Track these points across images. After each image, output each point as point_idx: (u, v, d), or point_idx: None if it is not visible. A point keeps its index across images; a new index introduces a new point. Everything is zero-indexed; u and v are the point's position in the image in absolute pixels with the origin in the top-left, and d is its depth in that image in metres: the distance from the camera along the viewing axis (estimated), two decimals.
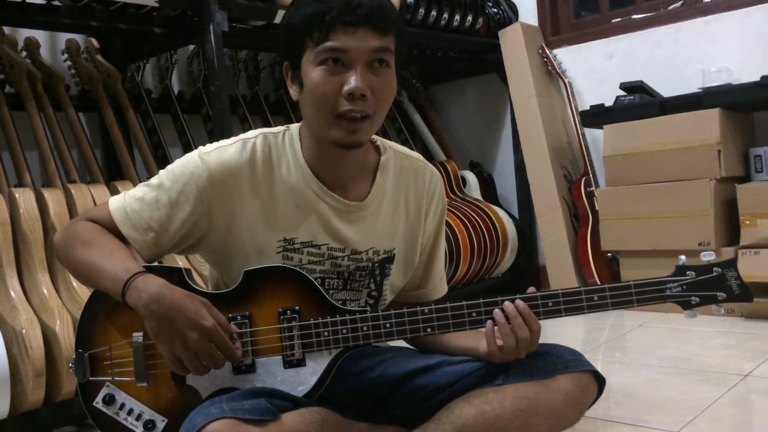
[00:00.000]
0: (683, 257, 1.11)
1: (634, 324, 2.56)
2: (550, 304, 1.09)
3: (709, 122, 2.57)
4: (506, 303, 1.09)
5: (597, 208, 2.94)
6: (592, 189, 3.03)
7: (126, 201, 1.15)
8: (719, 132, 2.55)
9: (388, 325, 1.09)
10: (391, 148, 1.26)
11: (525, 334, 1.08)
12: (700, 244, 2.52)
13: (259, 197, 1.14)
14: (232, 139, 1.16)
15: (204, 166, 1.12)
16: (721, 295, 1.09)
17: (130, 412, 1.11)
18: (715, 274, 1.09)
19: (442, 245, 1.34)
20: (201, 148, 1.16)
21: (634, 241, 2.73)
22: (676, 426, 1.53)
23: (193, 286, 1.13)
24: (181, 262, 2.09)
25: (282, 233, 1.15)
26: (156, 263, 1.18)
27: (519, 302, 1.09)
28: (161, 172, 1.16)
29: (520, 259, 3.29)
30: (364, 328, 1.09)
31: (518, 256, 3.27)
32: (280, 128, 1.19)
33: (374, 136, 1.23)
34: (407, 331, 1.10)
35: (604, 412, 1.66)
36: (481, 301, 1.10)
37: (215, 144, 1.16)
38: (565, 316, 1.10)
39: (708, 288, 1.10)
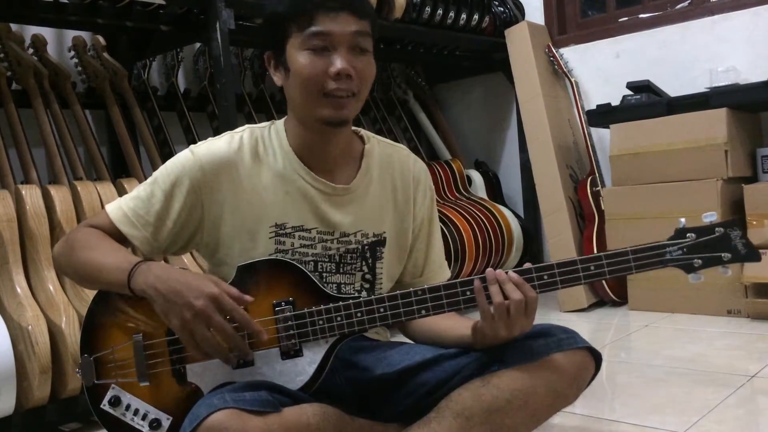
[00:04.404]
0: (683, 220, 1.06)
1: (640, 324, 2.55)
2: (546, 276, 1.06)
3: (716, 122, 2.56)
4: (498, 270, 1.07)
5: (603, 208, 2.93)
6: (598, 188, 3.02)
7: (123, 201, 1.21)
8: (726, 132, 2.54)
9: (381, 310, 1.09)
10: (375, 137, 1.31)
11: (518, 296, 1.04)
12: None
13: (250, 185, 1.18)
14: (221, 135, 1.23)
15: (195, 158, 1.18)
16: (726, 255, 1.04)
17: (135, 412, 1.13)
18: (717, 234, 1.04)
19: (438, 232, 1.36)
20: (192, 145, 1.22)
21: (640, 241, 2.69)
22: (681, 426, 1.52)
23: None
24: (186, 259, 2.09)
25: (273, 219, 1.18)
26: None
27: (511, 272, 1.07)
28: (155, 171, 1.22)
29: (525, 259, 3.28)
30: (359, 314, 1.09)
31: (523, 255, 3.26)
32: (265, 123, 1.26)
33: (357, 128, 1.29)
34: (402, 314, 1.09)
35: (609, 412, 1.65)
36: (475, 278, 1.07)
37: (205, 140, 1.23)
38: (562, 287, 1.07)
39: (711, 249, 1.04)
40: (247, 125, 1.25)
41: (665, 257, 1.05)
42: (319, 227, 1.20)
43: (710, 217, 1.04)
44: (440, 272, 1.36)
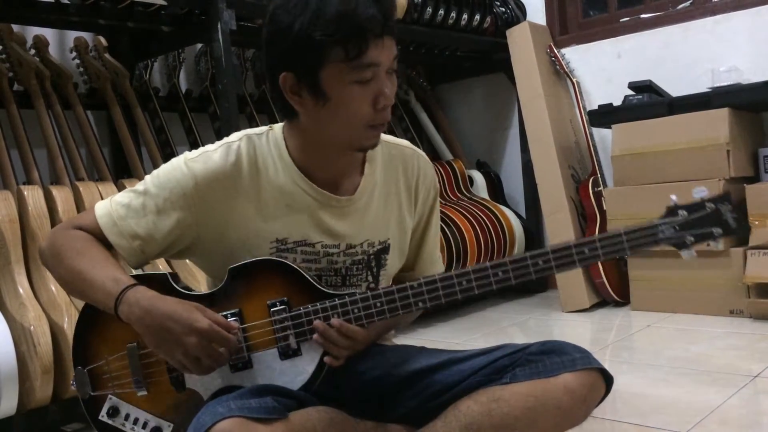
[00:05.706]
0: (674, 197, 1.08)
1: (642, 324, 2.55)
2: (540, 262, 1.06)
3: (718, 122, 2.56)
4: (316, 323, 1.08)
5: (605, 208, 2.93)
6: (599, 189, 3.02)
7: (112, 207, 1.14)
8: (728, 132, 2.53)
9: (378, 305, 1.08)
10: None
11: (341, 345, 1.09)
12: (708, 245, 2.51)
13: (248, 200, 1.13)
14: (217, 144, 1.15)
15: (190, 174, 1.11)
16: (717, 230, 1.06)
17: (135, 421, 1.12)
18: (708, 210, 1.06)
19: (435, 228, 1.33)
20: (186, 153, 1.15)
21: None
22: (684, 427, 1.52)
23: (180, 290, 1.12)
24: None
25: (274, 234, 1.14)
26: (142, 271, 1.18)
27: (334, 320, 1.08)
28: (147, 177, 1.15)
29: None
30: (355, 311, 1.08)
31: None
32: (263, 129, 1.18)
33: None
34: (399, 308, 1.08)
35: (611, 412, 1.65)
36: (470, 269, 1.07)
37: (200, 149, 1.15)
38: (558, 272, 1.08)
39: (702, 225, 1.06)
40: (243, 132, 1.17)
41: (658, 236, 1.07)
42: (324, 240, 1.17)
43: (700, 192, 1.06)
44: (432, 267, 1.34)
